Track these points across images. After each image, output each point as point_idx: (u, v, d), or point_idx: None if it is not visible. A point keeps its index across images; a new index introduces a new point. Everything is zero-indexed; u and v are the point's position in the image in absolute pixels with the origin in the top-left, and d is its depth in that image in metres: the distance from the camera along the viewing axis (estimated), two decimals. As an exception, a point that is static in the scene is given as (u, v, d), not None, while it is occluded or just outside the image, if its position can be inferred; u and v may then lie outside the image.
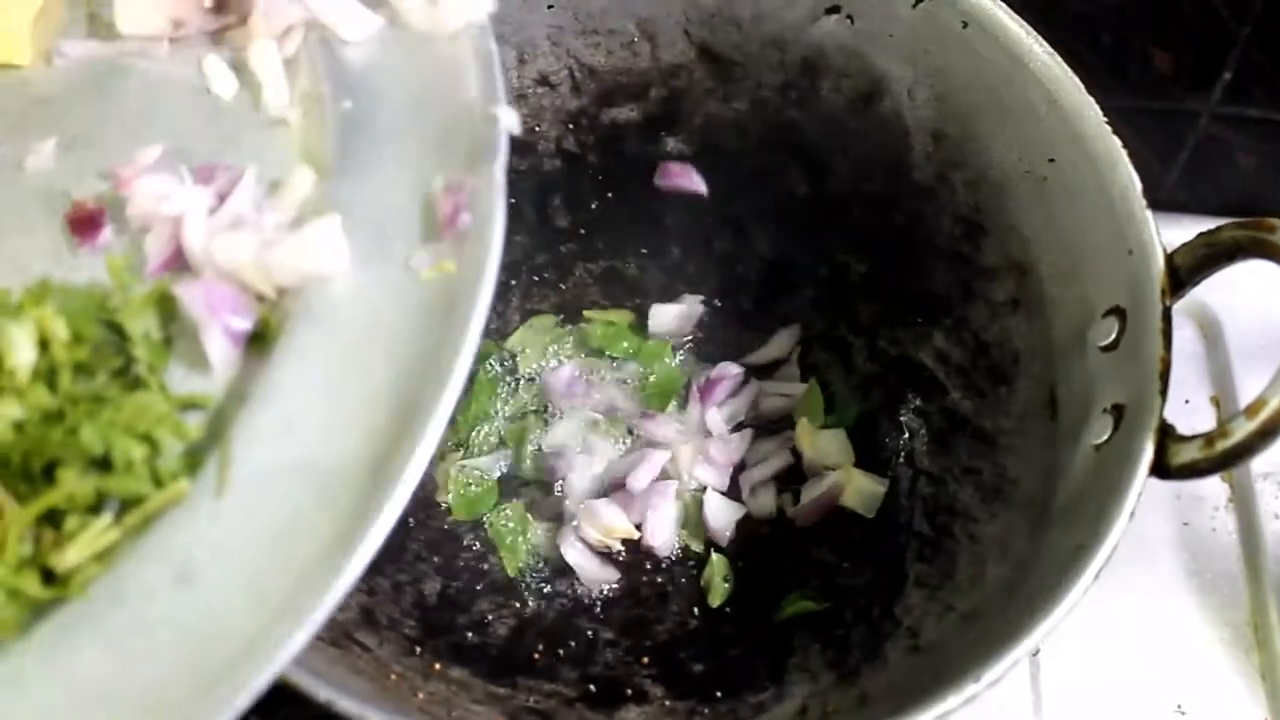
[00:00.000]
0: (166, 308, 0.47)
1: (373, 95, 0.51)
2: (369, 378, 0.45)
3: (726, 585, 0.75)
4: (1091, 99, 0.65)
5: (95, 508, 0.43)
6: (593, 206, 0.84)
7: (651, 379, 0.84)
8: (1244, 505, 0.81)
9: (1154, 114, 0.95)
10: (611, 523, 0.76)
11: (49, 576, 0.43)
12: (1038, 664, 0.75)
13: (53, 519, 0.43)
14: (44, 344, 0.45)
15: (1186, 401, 0.84)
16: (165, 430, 0.44)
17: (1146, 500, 0.55)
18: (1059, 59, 0.66)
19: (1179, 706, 0.74)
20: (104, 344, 0.46)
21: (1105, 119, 0.64)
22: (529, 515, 0.78)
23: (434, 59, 0.52)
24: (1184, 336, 0.88)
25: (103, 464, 0.43)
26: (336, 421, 0.44)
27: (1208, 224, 0.60)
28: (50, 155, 0.53)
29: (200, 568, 0.41)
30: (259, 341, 0.47)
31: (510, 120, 0.49)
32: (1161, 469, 0.56)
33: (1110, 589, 0.76)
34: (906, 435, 0.77)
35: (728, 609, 0.74)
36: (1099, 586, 0.54)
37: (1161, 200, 0.61)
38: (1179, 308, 0.59)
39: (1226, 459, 0.55)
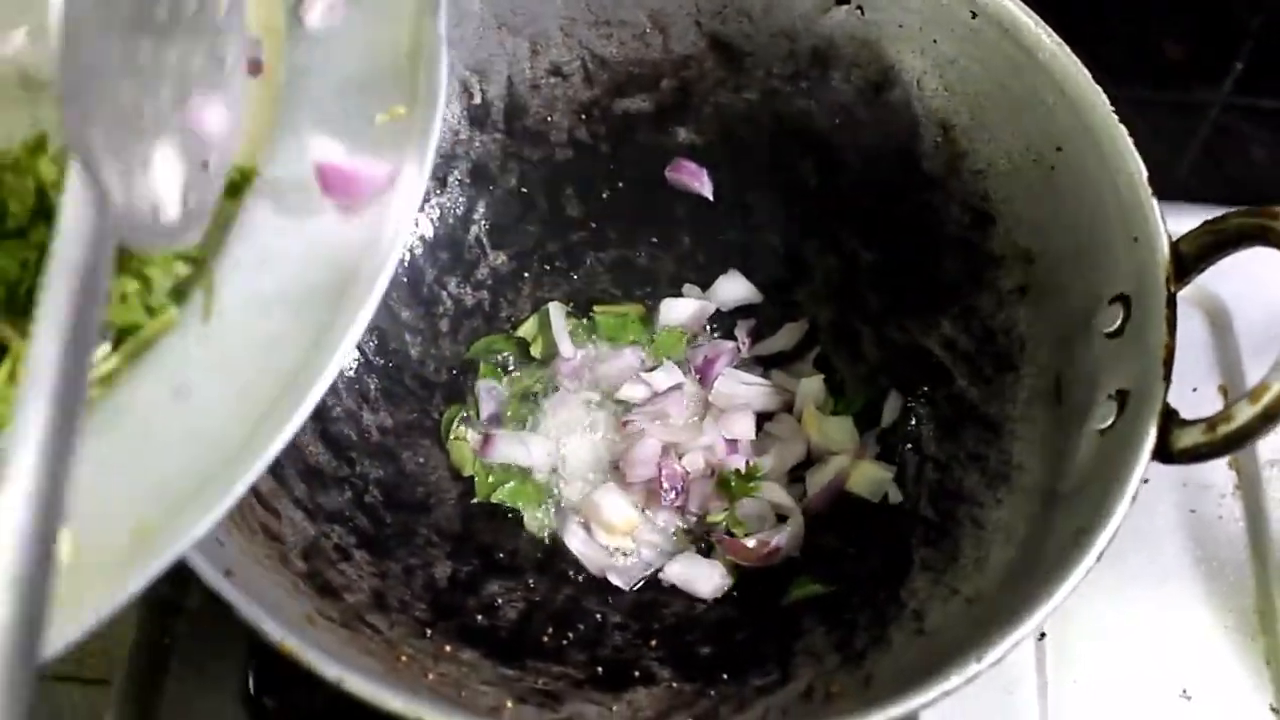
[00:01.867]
0: None
1: None
2: (331, 221, 0.50)
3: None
4: (1099, 89, 0.65)
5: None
6: (604, 196, 0.84)
7: (654, 353, 0.85)
8: (1251, 492, 0.81)
9: (1166, 104, 0.95)
10: (613, 517, 0.76)
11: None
12: (1044, 649, 0.76)
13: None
14: (42, 191, 0.49)
15: (1195, 389, 0.84)
16: (155, 269, 0.49)
17: (1153, 487, 0.56)
18: (1067, 49, 0.67)
19: (1184, 691, 0.75)
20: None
21: (1115, 109, 0.64)
22: (536, 496, 0.79)
23: None
24: (1193, 325, 0.88)
25: None
26: (305, 256, 0.49)
27: (1219, 214, 0.60)
28: (22, 43, 0.56)
29: (194, 383, 0.47)
30: (235, 192, 0.51)
31: None
32: (1164, 453, 0.57)
33: (1117, 575, 0.77)
34: (913, 422, 0.77)
35: (735, 593, 0.75)
36: (1106, 572, 0.55)
37: (1173, 191, 0.61)
38: (1188, 296, 0.60)
39: (1229, 443, 0.55)
